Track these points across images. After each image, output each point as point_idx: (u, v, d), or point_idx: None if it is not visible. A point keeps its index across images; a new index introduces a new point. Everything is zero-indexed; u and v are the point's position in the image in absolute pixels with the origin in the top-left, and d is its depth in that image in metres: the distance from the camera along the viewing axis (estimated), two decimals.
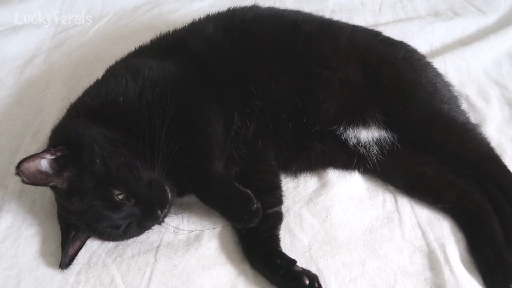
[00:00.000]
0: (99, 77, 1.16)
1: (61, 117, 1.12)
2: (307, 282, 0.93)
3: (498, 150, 1.15)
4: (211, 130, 1.05)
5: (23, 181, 0.90)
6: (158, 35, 1.27)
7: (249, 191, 1.00)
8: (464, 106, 1.30)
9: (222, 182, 1.01)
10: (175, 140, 0.98)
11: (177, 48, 1.17)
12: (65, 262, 0.97)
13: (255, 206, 0.98)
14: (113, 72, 1.13)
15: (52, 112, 1.33)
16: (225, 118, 1.09)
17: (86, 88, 1.15)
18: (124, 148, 0.98)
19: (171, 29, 1.28)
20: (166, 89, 1.04)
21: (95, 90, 1.10)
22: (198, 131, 1.04)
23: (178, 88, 1.06)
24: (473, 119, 1.27)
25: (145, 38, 1.29)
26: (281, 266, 0.96)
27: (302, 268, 0.97)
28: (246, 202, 0.99)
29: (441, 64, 1.45)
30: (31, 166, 0.91)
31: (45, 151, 0.94)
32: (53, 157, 0.95)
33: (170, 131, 0.99)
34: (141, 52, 1.21)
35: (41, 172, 0.93)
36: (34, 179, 0.92)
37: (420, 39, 1.59)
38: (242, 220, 0.99)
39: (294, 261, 0.97)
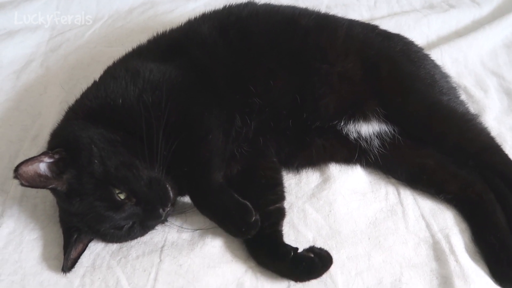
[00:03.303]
0: (97, 79, 1.15)
1: (59, 120, 1.11)
2: (311, 255, 0.95)
3: (498, 140, 1.15)
4: (212, 138, 1.04)
5: (22, 184, 0.90)
6: (155, 35, 1.27)
7: (248, 203, 0.97)
8: (463, 97, 1.31)
9: (220, 192, 0.99)
10: (174, 139, 0.98)
11: (175, 50, 1.16)
12: (68, 265, 0.97)
13: (253, 218, 0.96)
14: (112, 74, 1.12)
15: (51, 116, 1.32)
16: (226, 123, 1.08)
17: (84, 90, 1.14)
18: (123, 148, 0.98)
19: (168, 29, 1.27)
20: (166, 93, 1.03)
21: (93, 92, 1.09)
22: (198, 138, 1.03)
23: (179, 93, 1.05)
24: (472, 109, 1.27)
25: (141, 39, 1.28)
26: (288, 252, 0.96)
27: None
28: (244, 214, 0.96)
29: (438, 56, 1.45)
30: (29, 169, 0.90)
31: (43, 154, 0.94)
32: (51, 160, 0.94)
33: (169, 133, 0.98)
34: (140, 54, 1.20)
35: (40, 175, 0.93)
36: (33, 182, 0.92)
37: (416, 32, 1.59)
38: (240, 232, 0.98)
39: (297, 248, 0.98)
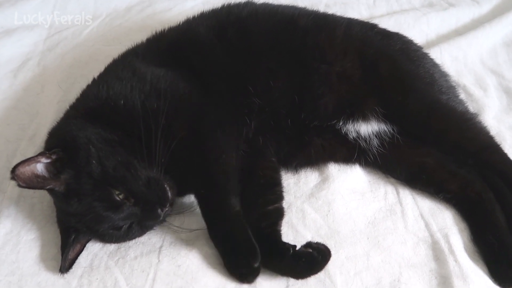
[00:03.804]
0: (96, 77, 1.14)
1: (58, 119, 1.10)
2: (310, 250, 0.95)
3: (498, 139, 1.15)
4: (226, 158, 1.02)
5: (19, 185, 0.89)
6: (154, 34, 1.26)
7: (257, 246, 0.93)
8: (462, 96, 1.31)
9: (235, 223, 0.96)
10: (173, 139, 0.98)
11: (176, 54, 1.15)
12: (65, 266, 0.96)
13: (257, 264, 0.92)
14: (117, 75, 1.10)
15: (48, 115, 1.31)
16: (237, 138, 1.07)
17: (84, 88, 1.13)
18: (121, 147, 0.97)
19: (166, 28, 1.27)
20: (173, 104, 1.02)
21: (95, 91, 1.08)
22: (213, 159, 1.01)
23: (188, 106, 1.05)
24: (471, 108, 1.27)
25: (139, 38, 1.28)
26: (287, 250, 0.95)
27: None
28: (251, 256, 0.92)
29: (437, 55, 1.45)
30: (26, 170, 0.90)
31: (40, 154, 0.93)
32: (48, 160, 0.94)
33: (168, 134, 0.97)
34: (144, 55, 1.17)
35: (37, 176, 0.92)
36: (31, 183, 0.91)
37: (416, 30, 1.59)
38: (238, 273, 0.94)
39: (296, 246, 0.97)
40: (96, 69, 1.20)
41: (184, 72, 1.11)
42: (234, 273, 0.95)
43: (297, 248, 0.97)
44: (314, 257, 0.94)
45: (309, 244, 0.97)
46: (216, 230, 0.97)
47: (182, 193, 1.07)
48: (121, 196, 0.93)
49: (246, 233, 0.95)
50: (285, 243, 0.98)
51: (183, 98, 1.06)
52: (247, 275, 0.93)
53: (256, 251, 0.93)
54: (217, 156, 1.02)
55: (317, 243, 0.98)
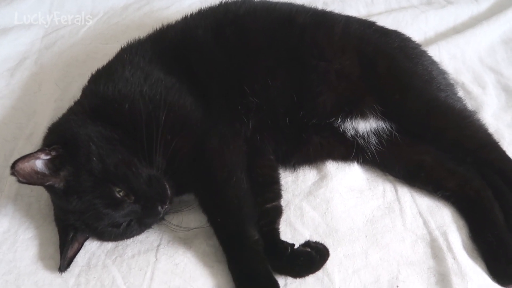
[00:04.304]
0: (100, 72, 1.14)
1: (60, 115, 1.10)
2: (308, 249, 0.94)
3: (496, 136, 1.15)
4: (236, 180, 1.00)
5: (19, 181, 0.89)
6: (155, 32, 1.25)
7: (277, 282, 0.90)
8: (461, 93, 1.31)
9: (251, 255, 0.93)
10: (172, 140, 0.98)
11: (178, 59, 1.15)
12: (64, 264, 0.96)
13: None
14: (124, 76, 1.08)
15: (45, 114, 1.31)
16: (244, 153, 1.06)
17: (86, 84, 1.13)
18: (121, 146, 0.97)
19: (166, 25, 1.26)
20: (180, 120, 1.03)
21: (100, 88, 1.07)
22: (221, 182, 1.00)
23: (194, 124, 1.05)
24: (469, 106, 1.27)
25: (137, 36, 1.27)
26: (286, 248, 0.95)
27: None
28: None
29: (435, 52, 1.44)
30: (26, 166, 0.90)
31: (40, 150, 0.93)
32: (48, 157, 0.94)
33: (169, 143, 0.97)
34: (151, 59, 1.15)
35: (36, 172, 0.92)
36: (30, 179, 0.91)
37: (414, 28, 1.59)
38: None
39: (294, 245, 0.97)
40: (93, 67, 1.20)
41: (190, 82, 1.11)
42: None
43: (296, 247, 0.97)
44: (312, 257, 0.94)
45: (307, 243, 0.97)
46: (234, 263, 0.94)
47: (179, 192, 1.06)
48: (121, 194, 0.94)
49: (264, 267, 0.92)
50: (283, 242, 0.98)
51: (190, 114, 1.06)
52: None
53: (276, 285, 0.90)
54: (225, 177, 1.00)
55: (316, 242, 0.98)
